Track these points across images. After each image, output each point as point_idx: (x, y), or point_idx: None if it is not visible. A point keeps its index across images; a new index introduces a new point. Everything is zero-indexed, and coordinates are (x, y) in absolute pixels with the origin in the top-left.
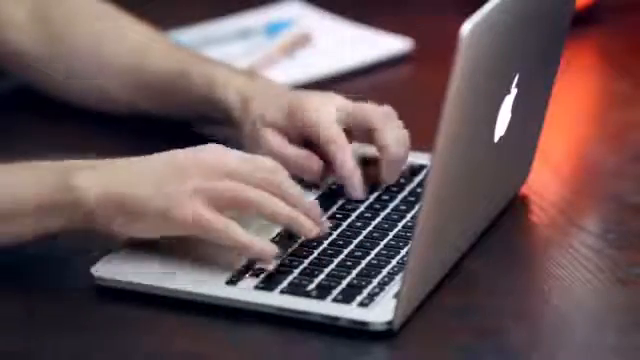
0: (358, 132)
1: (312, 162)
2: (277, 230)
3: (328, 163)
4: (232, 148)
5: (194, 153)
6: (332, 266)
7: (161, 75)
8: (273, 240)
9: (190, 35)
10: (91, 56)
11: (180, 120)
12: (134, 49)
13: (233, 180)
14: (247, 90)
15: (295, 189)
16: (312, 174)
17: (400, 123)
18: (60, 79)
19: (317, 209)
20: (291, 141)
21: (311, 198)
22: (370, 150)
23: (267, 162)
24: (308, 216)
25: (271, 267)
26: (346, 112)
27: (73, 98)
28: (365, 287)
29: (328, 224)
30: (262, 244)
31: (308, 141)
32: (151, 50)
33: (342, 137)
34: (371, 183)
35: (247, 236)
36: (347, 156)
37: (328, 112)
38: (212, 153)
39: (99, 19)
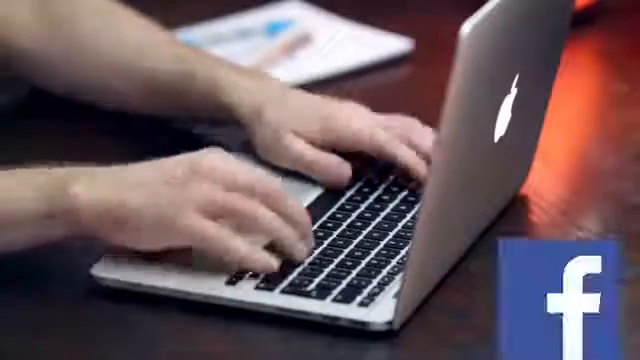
0: None
1: (345, 168)
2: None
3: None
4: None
5: (190, 160)
6: (332, 266)
7: (162, 75)
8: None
9: (190, 35)
10: (90, 53)
11: (184, 120)
12: (134, 46)
13: (230, 189)
14: (257, 93)
15: (297, 206)
16: (343, 180)
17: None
18: (62, 76)
19: (310, 230)
20: (319, 148)
21: (313, 197)
22: None
23: (264, 174)
24: (302, 235)
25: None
26: (377, 123)
27: (76, 95)
28: (365, 287)
29: (311, 245)
30: (264, 257)
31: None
32: (152, 48)
33: (393, 137)
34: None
35: (248, 248)
36: (409, 152)
37: (363, 119)
38: (209, 160)
39: (100, 14)
